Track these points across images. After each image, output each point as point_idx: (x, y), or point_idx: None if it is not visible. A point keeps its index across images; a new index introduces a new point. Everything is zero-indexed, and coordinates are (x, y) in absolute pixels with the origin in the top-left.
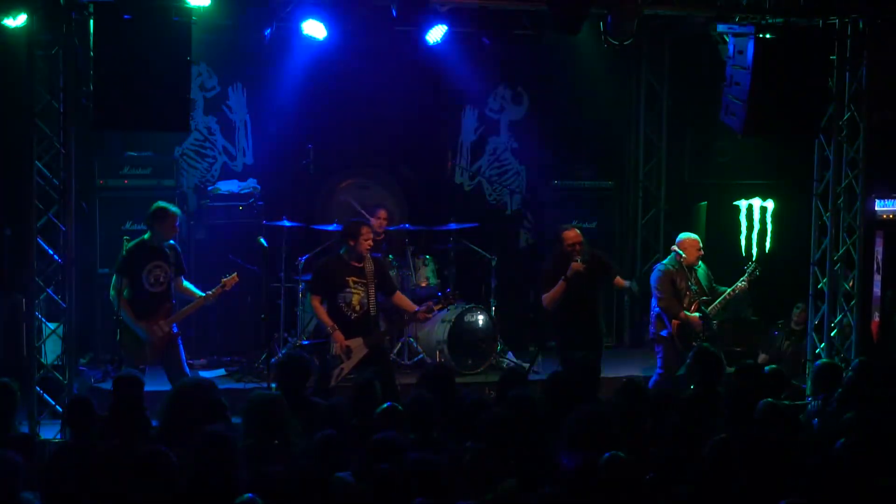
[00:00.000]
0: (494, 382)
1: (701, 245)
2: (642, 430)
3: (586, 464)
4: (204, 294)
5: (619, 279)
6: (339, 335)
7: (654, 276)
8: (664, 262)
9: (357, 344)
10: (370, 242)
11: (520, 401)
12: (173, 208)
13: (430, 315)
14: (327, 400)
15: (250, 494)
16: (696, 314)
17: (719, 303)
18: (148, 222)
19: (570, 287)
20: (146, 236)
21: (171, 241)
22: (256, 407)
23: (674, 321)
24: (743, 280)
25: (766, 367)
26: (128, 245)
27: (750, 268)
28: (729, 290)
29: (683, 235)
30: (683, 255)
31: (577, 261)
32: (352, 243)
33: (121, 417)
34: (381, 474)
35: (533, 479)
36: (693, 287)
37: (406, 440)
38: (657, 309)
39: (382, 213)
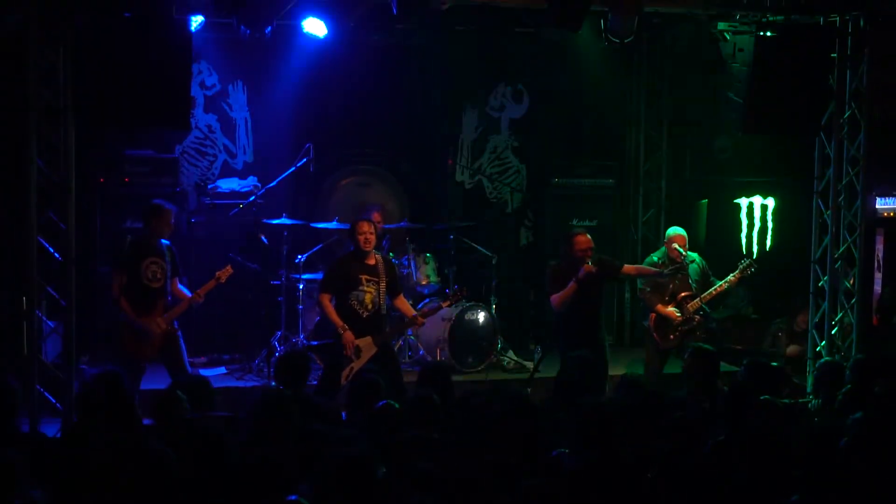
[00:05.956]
0: (495, 381)
1: (679, 240)
2: (642, 427)
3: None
4: (191, 294)
5: (626, 266)
6: (349, 335)
7: None
8: (654, 254)
9: (367, 343)
10: (365, 237)
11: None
12: (168, 205)
13: (425, 321)
14: (332, 400)
15: (294, 496)
16: (674, 308)
17: (704, 297)
18: (144, 219)
19: (581, 288)
20: (143, 230)
21: (167, 242)
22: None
23: (651, 314)
24: (733, 275)
25: (773, 364)
26: (126, 241)
27: (743, 264)
28: (718, 284)
29: (669, 230)
30: (666, 249)
31: (588, 263)
32: (353, 240)
33: (108, 415)
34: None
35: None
36: (677, 281)
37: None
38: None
39: (375, 217)
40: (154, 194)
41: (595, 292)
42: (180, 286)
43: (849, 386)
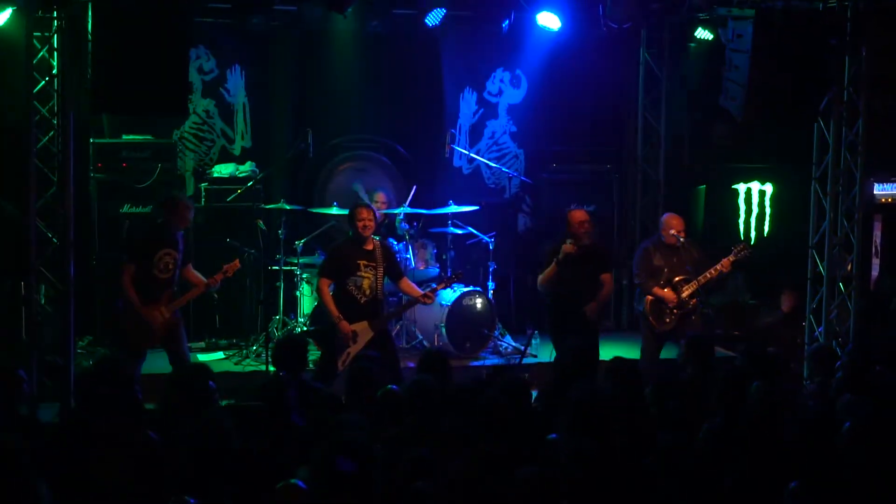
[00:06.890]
0: (493, 366)
1: (676, 225)
2: (636, 414)
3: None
4: (206, 280)
5: (605, 275)
6: (344, 324)
7: (635, 253)
8: (648, 239)
9: (363, 328)
10: (364, 223)
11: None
12: (185, 198)
13: (433, 299)
14: (331, 385)
15: (299, 482)
16: (670, 290)
17: (700, 280)
18: (162, 211)
19: (563, 270)
20: (159, 221)
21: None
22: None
23: (647, 297)
24: (727, 258)
25: (770, 350)
26: (140, 231)
27: (736, 247)
28: (712, 267)
29: (665, 214)
30: (662, 235)
31: (568, 243)
32: (352, 225)
33: (108, 401)
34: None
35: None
36: (673, 266)
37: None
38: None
39: (380, 197)
40: (152, 180)
41: (581, 274)
42: (195, 272)
43: (842, 372)
